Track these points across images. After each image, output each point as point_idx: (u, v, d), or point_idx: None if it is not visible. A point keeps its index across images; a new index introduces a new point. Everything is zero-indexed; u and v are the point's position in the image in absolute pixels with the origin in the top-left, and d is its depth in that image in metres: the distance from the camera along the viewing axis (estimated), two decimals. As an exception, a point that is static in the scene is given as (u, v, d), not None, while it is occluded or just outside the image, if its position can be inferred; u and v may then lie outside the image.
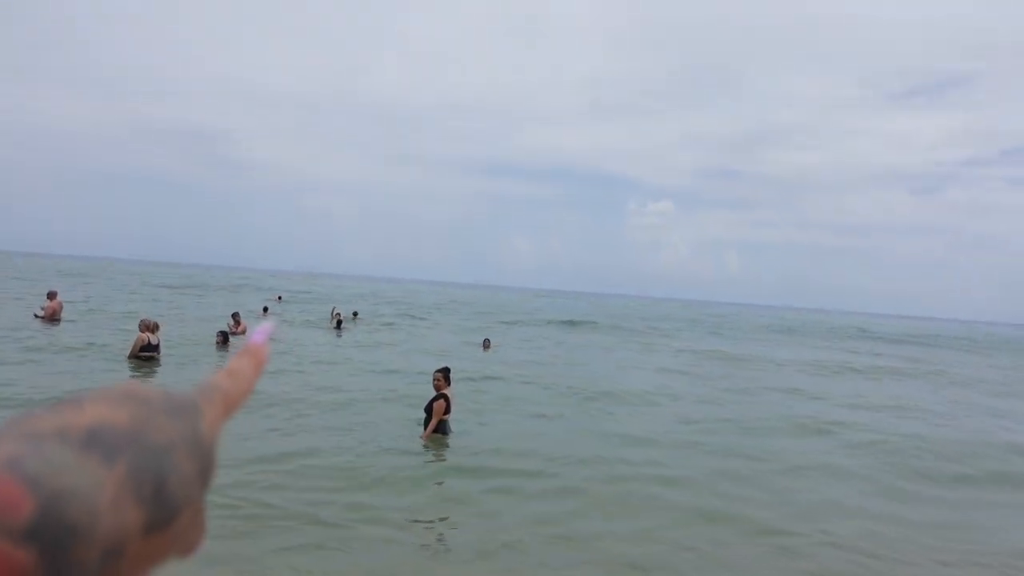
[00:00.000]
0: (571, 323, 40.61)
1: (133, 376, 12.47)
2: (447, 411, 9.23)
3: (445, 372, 9.42)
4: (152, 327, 13.69)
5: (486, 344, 22.14)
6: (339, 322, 25.44)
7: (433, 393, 9.30)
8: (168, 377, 12.66)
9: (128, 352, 13.78)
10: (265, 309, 30.55)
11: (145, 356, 13.49)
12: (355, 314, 29.85)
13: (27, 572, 0.46)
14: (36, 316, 21.81)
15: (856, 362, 26.82)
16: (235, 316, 19.93)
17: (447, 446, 9.02)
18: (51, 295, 23.30)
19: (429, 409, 9.18)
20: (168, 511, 0.50)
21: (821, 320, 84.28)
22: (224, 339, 16.66)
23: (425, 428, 9.16)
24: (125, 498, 0.48)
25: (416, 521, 6.37)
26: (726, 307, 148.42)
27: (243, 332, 18.50)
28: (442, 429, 9.24)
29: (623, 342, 29.55)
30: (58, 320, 21.56)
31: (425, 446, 8.94)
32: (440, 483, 7.76)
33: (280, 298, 37.51)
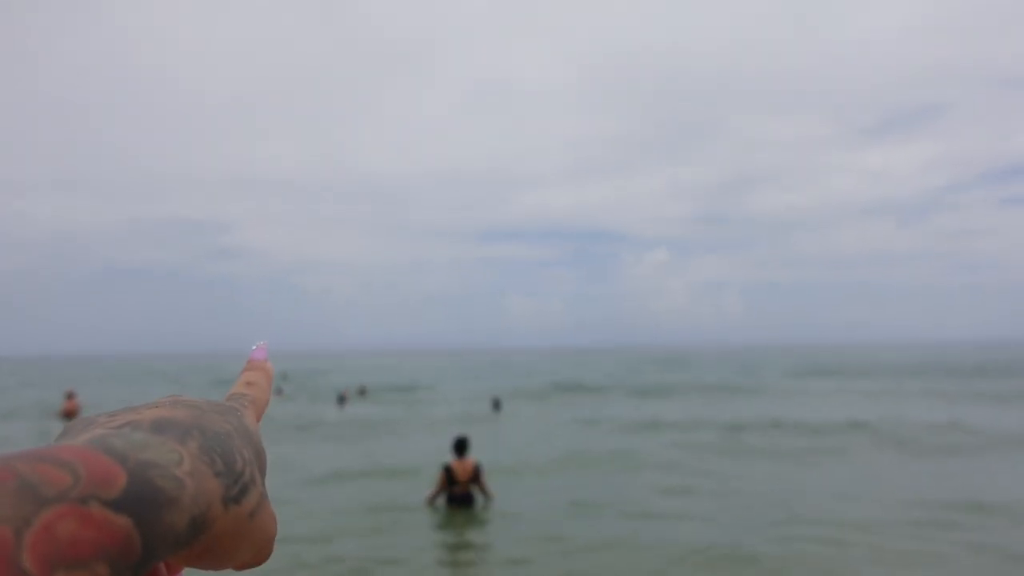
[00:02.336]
0: (641, 392, 29.91)
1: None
2: (451, 484, 8.96)
3: (455, 443, 9.17)
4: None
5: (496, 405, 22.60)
6: (342, 398, 26.68)
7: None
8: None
9: None
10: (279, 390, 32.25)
11: None
12: (363, 389, 30.51)
13: (127, 539, 0.52)
14: (60, 415, 22.57)
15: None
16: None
17: (465, 520, 8.69)
18: (69, 395, 24.05)
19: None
20: (240, 485, 0.53)
21: (852, 355, 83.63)
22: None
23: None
24: (202, 469, 0.52)
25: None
26: (736, 348, 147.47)
27: None
28: (451, 501, 8.99)
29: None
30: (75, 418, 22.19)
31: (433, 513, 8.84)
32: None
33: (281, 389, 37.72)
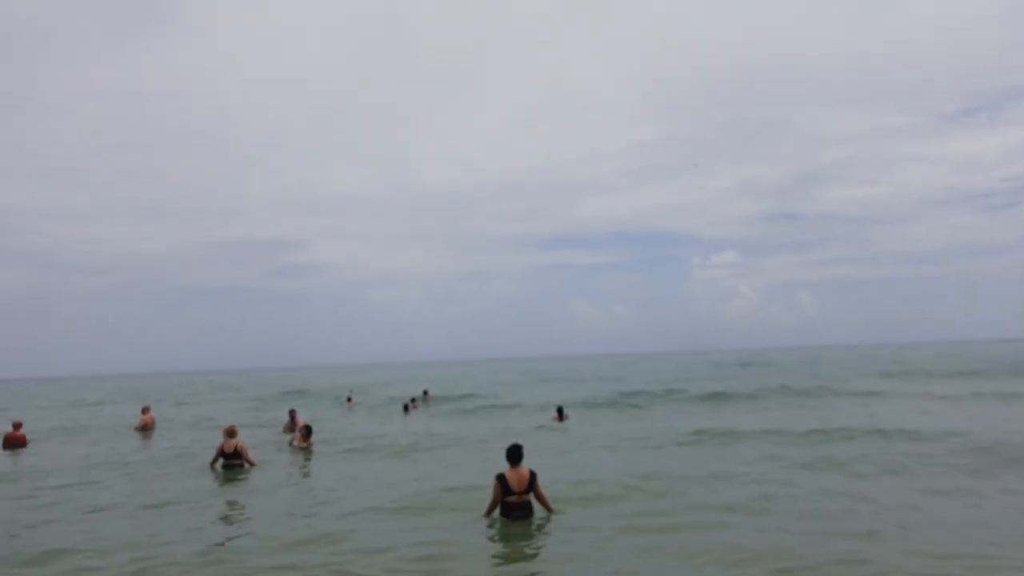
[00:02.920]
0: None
1: (219, 482, 12.92)
2: (507, 493, 8.56)
3: (508, 451, 8.78)
4: (228, 432, 13.70)
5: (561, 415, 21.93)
6: (405, 407, 27.42)
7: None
8: (255, 482, 13.15)
9: (210, 460, 13.87)
10: (348, 399, 33.35)
11: (227, 464, 13.52)
12: (425, 393, 30.59)
13: None
14: (136, 428, 23.29)
15: None
16: (291, 412, 20.82)
17: (518, 533, 8.22)
18: (145, 409, 24.82)
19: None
20: None
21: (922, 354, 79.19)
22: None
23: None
24: None
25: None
26: (813, 350, 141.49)
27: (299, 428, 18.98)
28: (507, 513, 8.60)
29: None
30: (150, 432, 22.85)
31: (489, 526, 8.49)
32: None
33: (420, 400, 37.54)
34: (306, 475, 13.41)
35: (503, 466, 8.87)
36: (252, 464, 13.68)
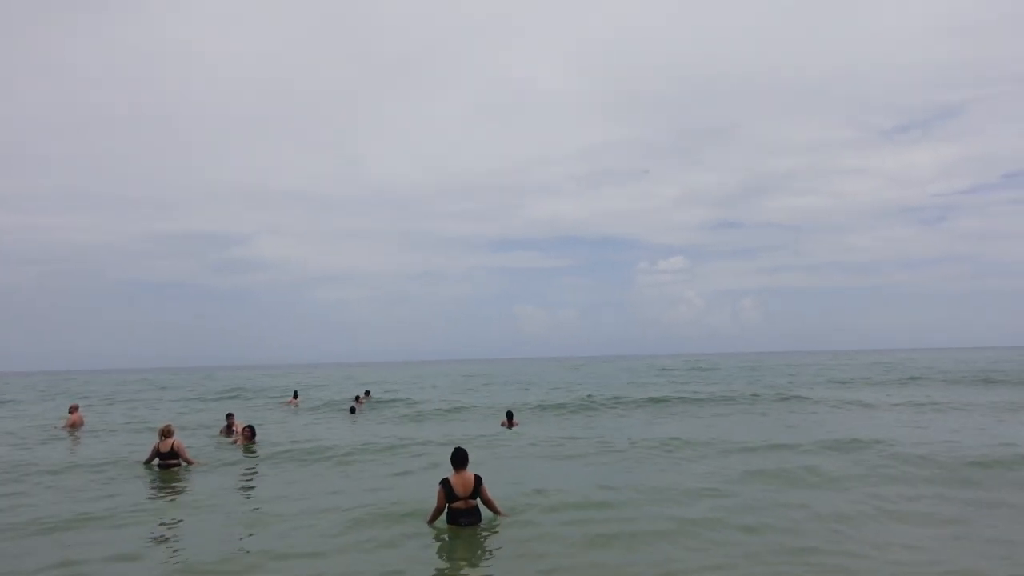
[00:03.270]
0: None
1: (156, 483, 12.26)
2: (452, 499, 8.27)
3: (452, 455, 8.53)
4: (164, 432, 13.38)
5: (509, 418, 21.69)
6: (352, 408, 27.07)
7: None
8: (191, 483, 12.42)
9: (144, 459, 13.61)
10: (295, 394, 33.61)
11: (161, 464, 13.17)
12: (367, 393, 29.94)
13: None
14: (56, 428, 22.19)
15: None
16: (229, 417, 19.58)
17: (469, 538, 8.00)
18: (72, 408, 23.61)
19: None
20: None
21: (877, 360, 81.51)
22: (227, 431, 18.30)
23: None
24: None
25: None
26: (760, 356, 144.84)
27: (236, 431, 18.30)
28: (455, 519, 8.29)
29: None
30: (77, 432, 21.71)
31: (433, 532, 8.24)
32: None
33: (296, 395, 36.89)
34: (248, 481, 12.76)
35: (449, 471, 8.59)
36: (191, 463, 13.20)
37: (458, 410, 27.80)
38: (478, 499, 8.50)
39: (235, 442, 16.59)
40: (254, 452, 15.72)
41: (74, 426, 22.48)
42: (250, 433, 16.48)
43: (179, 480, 12.43)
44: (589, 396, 31.76)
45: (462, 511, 8.35)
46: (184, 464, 13.23)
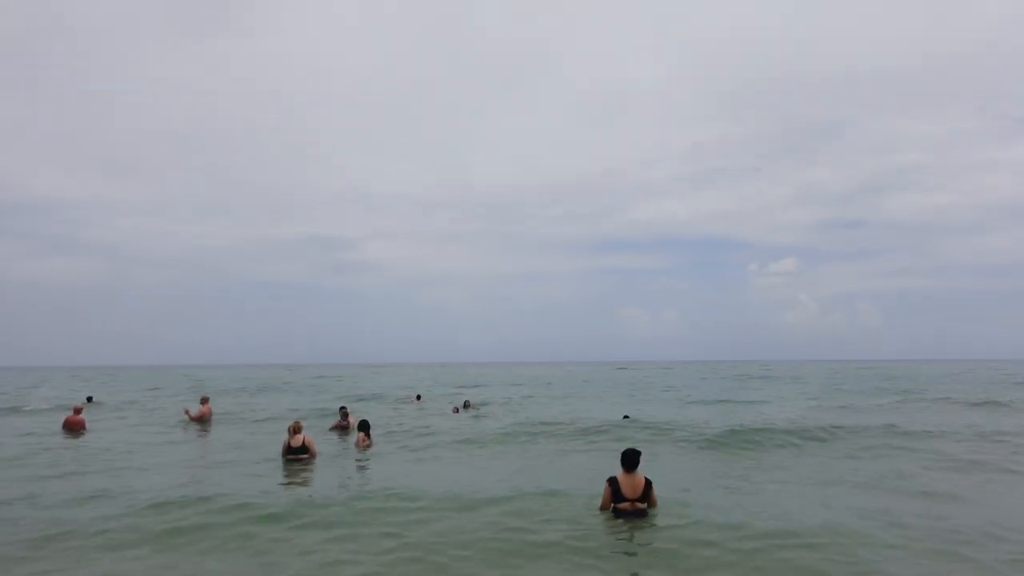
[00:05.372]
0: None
1: (286, 476, 12.55)
2: (618, 500, 8.06)
3: (624, 455, 8.26)
4: (295, 428, 13.94)
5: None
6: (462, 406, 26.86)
7: None
8: (318, 474, 12.68)
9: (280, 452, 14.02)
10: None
11: (291, 458, 13.63)
12: (466, 404, 29.73)
13: None
14: (187, 414, 23.26)
15: None
16: (343, 410, 19.97)
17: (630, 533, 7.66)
18: (204, 400, 24.83)
19: None
20: None
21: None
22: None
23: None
24: None
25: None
26: (880, 364, 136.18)
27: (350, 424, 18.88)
28: (624, 518, 8.03)
29: None
30: (207, 422, 22.83)
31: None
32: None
33: (419, 397, 36.90)
34: (370, 468, 12.86)
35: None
36: (315, 455, 13.77)
37: (569, 411, 27.36)
38: (646, 504, 8.19)
39: (356, 444, 16.03)
40: (370, 446, 15.87)
41: (203, 417, 23.60)
42: (366, 427, 16.23)
43: (308, 469, 12.83)
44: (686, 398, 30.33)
45: (628, 512, 8.07)
46: (310, 457, 13.75)
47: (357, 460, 14.36)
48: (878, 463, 13.14)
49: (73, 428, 19.94)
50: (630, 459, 8.17)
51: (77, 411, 20.92)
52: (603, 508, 8.25)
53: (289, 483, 11.59)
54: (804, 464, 13.22)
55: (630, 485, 8.12)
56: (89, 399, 31.21)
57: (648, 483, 8.21)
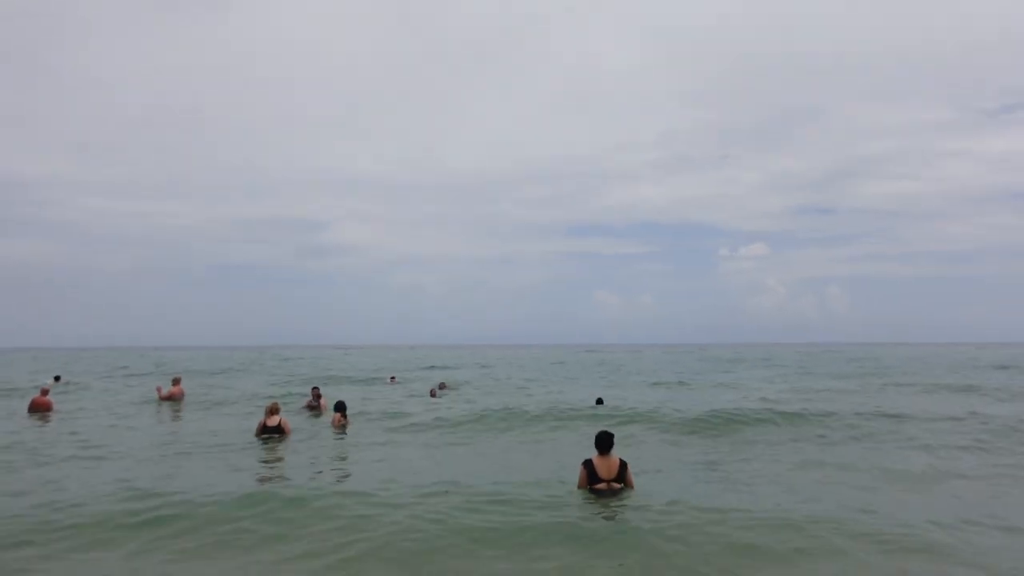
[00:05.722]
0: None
1: (261, 451, 12.62)
2: (594, 481, 8.15)
3: (597, 438, 8.35)
4: (272, 409, 14.27)
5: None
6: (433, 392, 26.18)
7: None
8: (287, 451, 12.62)
9: (254, 432, 14.25)
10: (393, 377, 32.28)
11: (265, 437, 13.90)
12: (442, 385, 29.69)
13: None
14: (158, 392, 23.08)
15: None
16: (315, 391, 20.06)
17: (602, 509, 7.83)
18: (175, 380, 24.54)
19: None
20: None
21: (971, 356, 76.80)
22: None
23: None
24: None
25: None
26: (847, 347, 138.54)
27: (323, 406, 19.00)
28: (601, 495, 8.15)
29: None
30: (179, 402, 22.59)
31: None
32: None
33: (394, 378, 36.69)
34: (346, 451, 12.82)
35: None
36: (288, 434, 14.11)
37: (551, 392, 27.46)
38: (622, 484, 8.32)
39: (333, 423, 16.02)
40: (346, 426, 15.96)
41: (173, 397, 23.32)
42: (342, 408, 16.23)
43: (281, 451, 12.84)
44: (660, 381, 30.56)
45: (604, 492, 8.19)
46: (284, 436, 14.01)
47: (335, 439, 14.34)
48: (850, 447, 13.41)
49: (40, 409, 19.57)
50: (604, 441, 8.30)
51: (44, 392, 20.59)
52: (580, 488, 8.36)
53: (263, 471, 11.48)
54: (781, 448, 13.42)
55: (605, 467, 8.25)
56: (57, 378, 30.62)
57: (623, 464, 8.34)
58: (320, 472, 10.83)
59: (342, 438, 14.65)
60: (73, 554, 6.68)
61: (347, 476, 10.71)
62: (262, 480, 10.30)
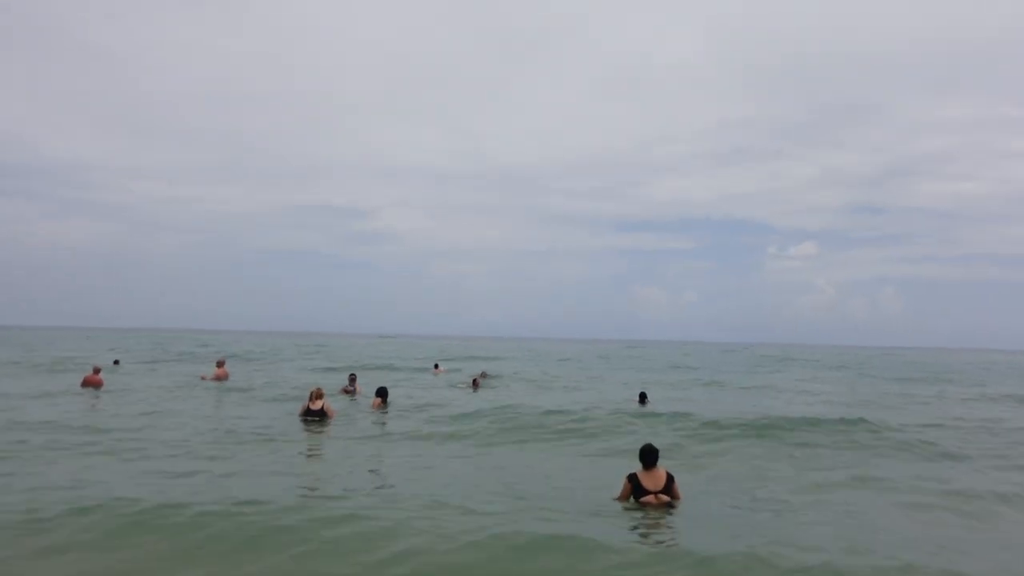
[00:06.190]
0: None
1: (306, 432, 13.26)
2: (640, 494, 7.76)
3: (642, 453, 7.96)
4: (316, 395, 14.82)
5: (642, 398, 20.66)
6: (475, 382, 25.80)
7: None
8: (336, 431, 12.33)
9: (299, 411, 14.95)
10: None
11: (309, 419, 14.48)
12: (483, 374, 29.26)
13: None
14: (202, 378, 23.32)
15: None
16: (351, 377, 20.67)
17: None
18: (220, 363, 24.75)
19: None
20: None
21: None
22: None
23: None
24: None
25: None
26: (903, 351, 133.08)
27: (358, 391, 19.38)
28: (649, 507, 7.73)
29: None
30: (223, 384, 22.76)
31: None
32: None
33: (438, 367, 36.25)
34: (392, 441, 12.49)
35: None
36: (332, 416, 14.71)
37: (585, 386, 26.84)
38: (670, 496, 7.96)
39: (373, 407, 16.71)
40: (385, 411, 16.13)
41: (219, 379, 23.50)
42: (383, 394, 16.95)
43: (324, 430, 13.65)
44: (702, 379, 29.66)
45: (653, 504, 7.82)
46: (327, 418, 14.64)
47: (373, 425, 14.10)
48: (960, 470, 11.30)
49: (91, 385, 20.61)
50: (649, 455, 7.97)
51: (96, 371, 21.51)
52: (621, 500, 7.99)
53: (300, 466, 11.21)
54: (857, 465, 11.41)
55: (651, 480, 7.90)
56: (116, 363, 31.24)
57: (670, 477, 7.98)
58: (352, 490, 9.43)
59: (383, 423, 14.63)
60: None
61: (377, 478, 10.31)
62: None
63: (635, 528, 7.12)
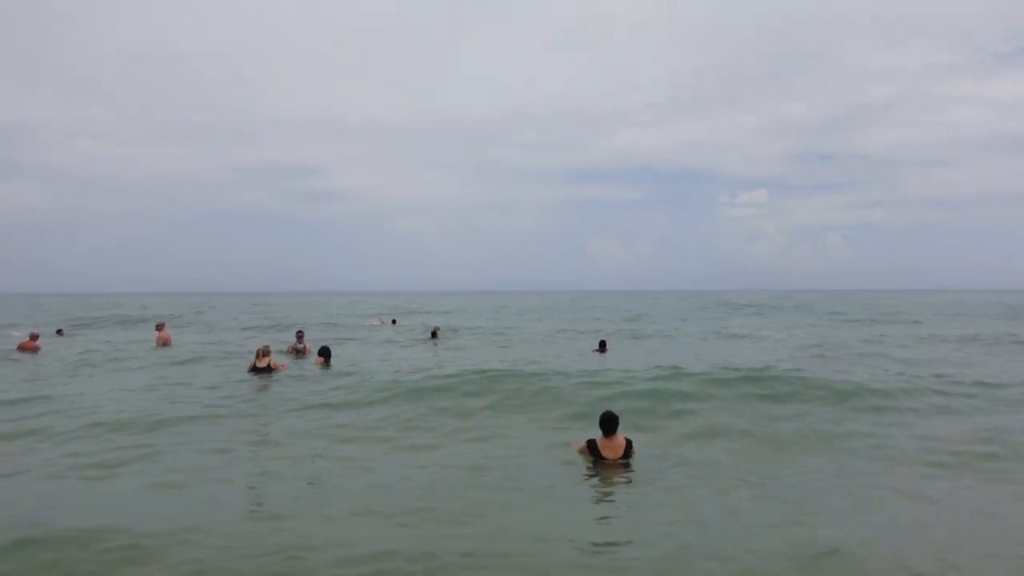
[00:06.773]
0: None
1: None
2: (599, 458, 7.64)
3: (602, 420, 7.72)
4: (263, 352, 15.12)
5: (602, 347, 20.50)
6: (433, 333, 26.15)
7: None
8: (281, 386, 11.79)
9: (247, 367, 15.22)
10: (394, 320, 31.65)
11: (258, 374, 14.78)
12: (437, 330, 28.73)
13: None
14: (157, 343, 22.48)
15: None
16: (299, 334, 20.08)
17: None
18: (159, 327, 23.64)
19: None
20: None
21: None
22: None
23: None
24: None
25: None
26: (848, 294, 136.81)
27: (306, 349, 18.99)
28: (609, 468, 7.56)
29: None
30: (168, 348, 21.74)
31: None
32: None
33: (395, 322, 35.98)
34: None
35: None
36: (282, 367, 15.17)
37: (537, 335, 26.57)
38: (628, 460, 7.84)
39: (316, 364, 16.65)
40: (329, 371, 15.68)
41: (165, 344, 22.52)
42: (326, 353, 16.88)
43: (275, 380, 14.05)
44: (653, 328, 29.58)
45: (611, 465, 7.68)
46: (276, 372, 14.97)
47: (312, 388, 13.23)
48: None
49: (27, 351, 20.55)
50: (609, 423, 7.76)
51: (33, 337, 21.37)
52: (579, 453, 8.04)
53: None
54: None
55: (610, 448, 7.73)
56: (59, 332, 29.50)
57: (629, 443, 7.85)
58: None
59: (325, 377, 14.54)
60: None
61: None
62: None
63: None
